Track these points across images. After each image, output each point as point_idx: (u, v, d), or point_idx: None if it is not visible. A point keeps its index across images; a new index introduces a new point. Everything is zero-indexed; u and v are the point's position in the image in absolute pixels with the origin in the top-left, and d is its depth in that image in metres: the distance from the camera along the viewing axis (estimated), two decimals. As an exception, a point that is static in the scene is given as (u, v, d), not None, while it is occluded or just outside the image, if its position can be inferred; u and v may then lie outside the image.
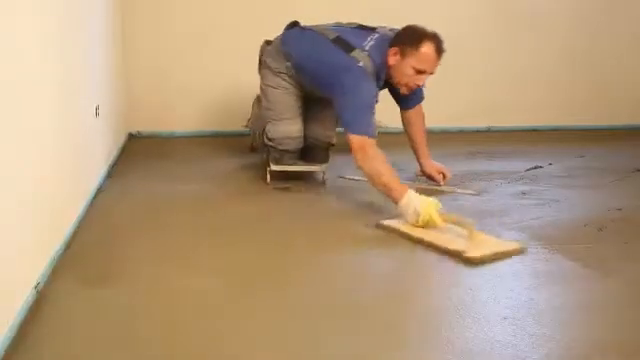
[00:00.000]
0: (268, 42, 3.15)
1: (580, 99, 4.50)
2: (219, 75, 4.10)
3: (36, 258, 1.90)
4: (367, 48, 2.79)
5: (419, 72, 2.78)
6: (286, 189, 2.96)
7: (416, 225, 2.39)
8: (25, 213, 1.80)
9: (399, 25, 2.88)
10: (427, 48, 2.74)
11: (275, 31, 3.16)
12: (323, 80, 2.84)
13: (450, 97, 4.19)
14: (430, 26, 2.86)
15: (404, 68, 2.78)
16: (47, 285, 1.91)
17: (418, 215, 2.38)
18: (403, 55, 2.76)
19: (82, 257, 2.16)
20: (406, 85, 2.84)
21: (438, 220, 2.36)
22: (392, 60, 2.79)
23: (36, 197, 1.90)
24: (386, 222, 2.46)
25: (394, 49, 2.78)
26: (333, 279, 2.06)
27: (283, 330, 1.73)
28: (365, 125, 2.67)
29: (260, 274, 2.08)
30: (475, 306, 1.87)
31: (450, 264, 2.16)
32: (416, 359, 1.62)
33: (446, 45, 2.77)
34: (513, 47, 4.36)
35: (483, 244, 2.24)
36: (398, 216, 2.48)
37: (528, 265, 2.17)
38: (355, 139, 2.64)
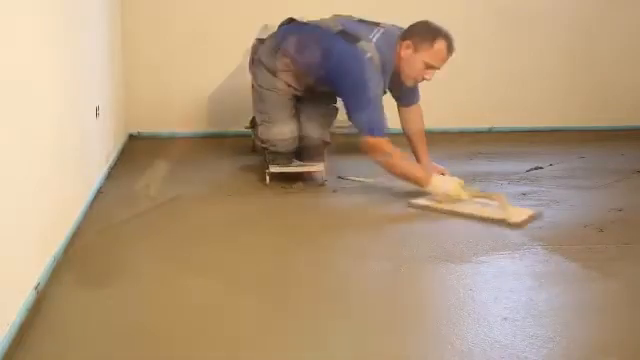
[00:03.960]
0: (261, 40, 3.13)
1: (580, 100, 4.49)
2: (220, 75, 4.09)
3: (36, 258, 1.90)
4: (374, 40, 2.81)
5: (429, 67, 2.80)
6: (285, 190, 2.96)
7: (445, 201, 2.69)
8: (25, 213, 1.80)
9: (402, 24, 2.90)
10: (441, 45, 2.77)
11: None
12: (330, 74, 2.83)
13: (451, 98, 4.19)
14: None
15: (416, 62, 2.80)
16: (47, 285, 1.91)
17: (448, 194, 2.68)
18: (416, 49, 2.79)
19: (82, 258, 2.16)
20: (414, 79, 2.87)
21: (464, 195, 2.70)
22: (404, 53, 2.80)
23: (36, 197, 1.90)
24: (415, 201, 2.72)
25: (407, 42, 2.80)
26: (333, 279, 2.06)
27: (283, 330, 1.73)
28: (377, 125, 2.77)
29: (260, 274, 2.08)
30: (475, 306, 1.87)
31: (450, 264, 2.16)
32: (416, 359, 1.62)
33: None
34: (514, 48, 4.35)
35: (516, 211, 2.58)
36: (424, 195, 2.74)
37: (528, 266, 2.17)
38: (370, 141, 2.74)
